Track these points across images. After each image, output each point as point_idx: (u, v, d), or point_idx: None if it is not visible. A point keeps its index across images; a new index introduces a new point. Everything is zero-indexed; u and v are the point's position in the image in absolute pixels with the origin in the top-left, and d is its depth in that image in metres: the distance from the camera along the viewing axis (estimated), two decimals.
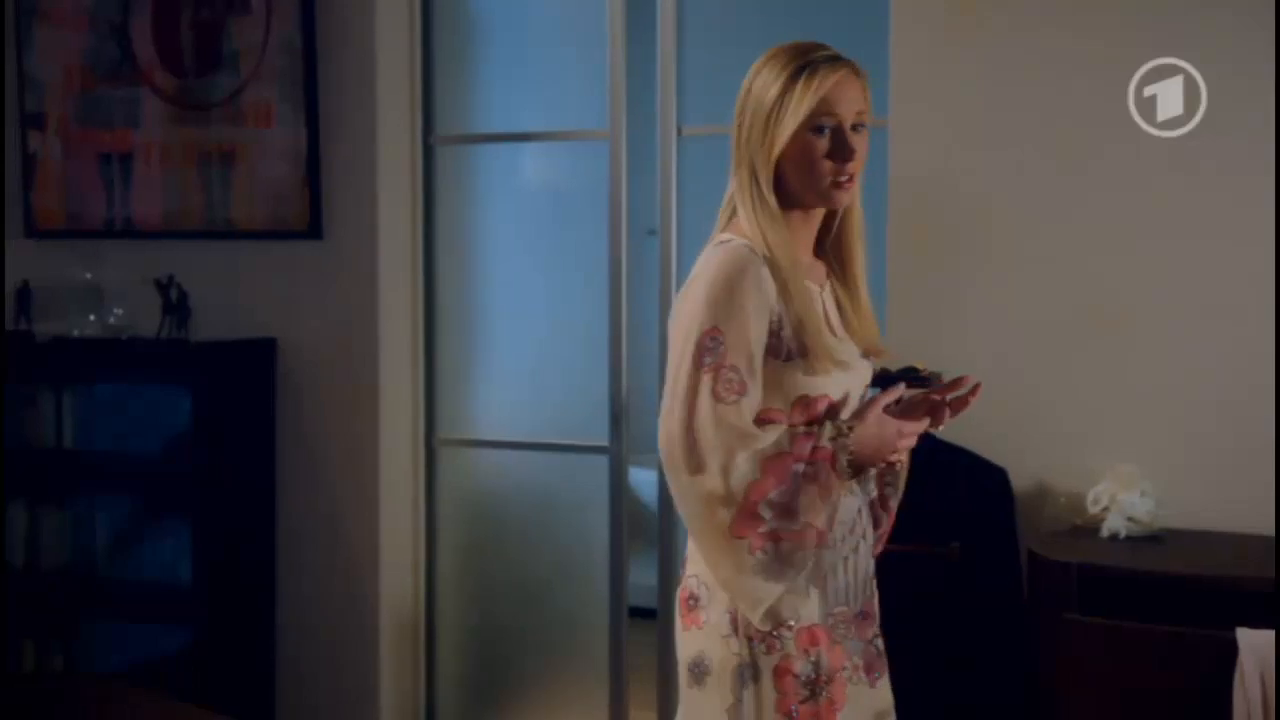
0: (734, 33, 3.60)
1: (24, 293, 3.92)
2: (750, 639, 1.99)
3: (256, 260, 3.83)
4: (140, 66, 3.90)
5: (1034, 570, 2.90)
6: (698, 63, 3.59)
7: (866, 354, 2.15)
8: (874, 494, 2.20)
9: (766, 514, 1.94)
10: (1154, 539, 2.95)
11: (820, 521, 1.97)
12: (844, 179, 2.04)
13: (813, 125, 2.03)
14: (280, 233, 3.79)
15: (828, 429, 2.00)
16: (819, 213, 2.12)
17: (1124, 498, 2.99)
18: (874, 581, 2.20)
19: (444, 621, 3.96)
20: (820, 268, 2.15)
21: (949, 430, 2.99)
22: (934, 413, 2.07)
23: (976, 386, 2.09)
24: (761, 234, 2.03)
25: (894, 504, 2.22)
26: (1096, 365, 3.13)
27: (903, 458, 2.16)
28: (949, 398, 2.09)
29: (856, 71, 2.08)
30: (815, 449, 1.98)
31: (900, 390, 2.06)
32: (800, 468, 1.97)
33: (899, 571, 2.96)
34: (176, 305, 3.78)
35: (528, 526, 3.90)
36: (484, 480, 3.96)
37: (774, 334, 2.01)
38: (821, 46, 2.10)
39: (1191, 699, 2.58)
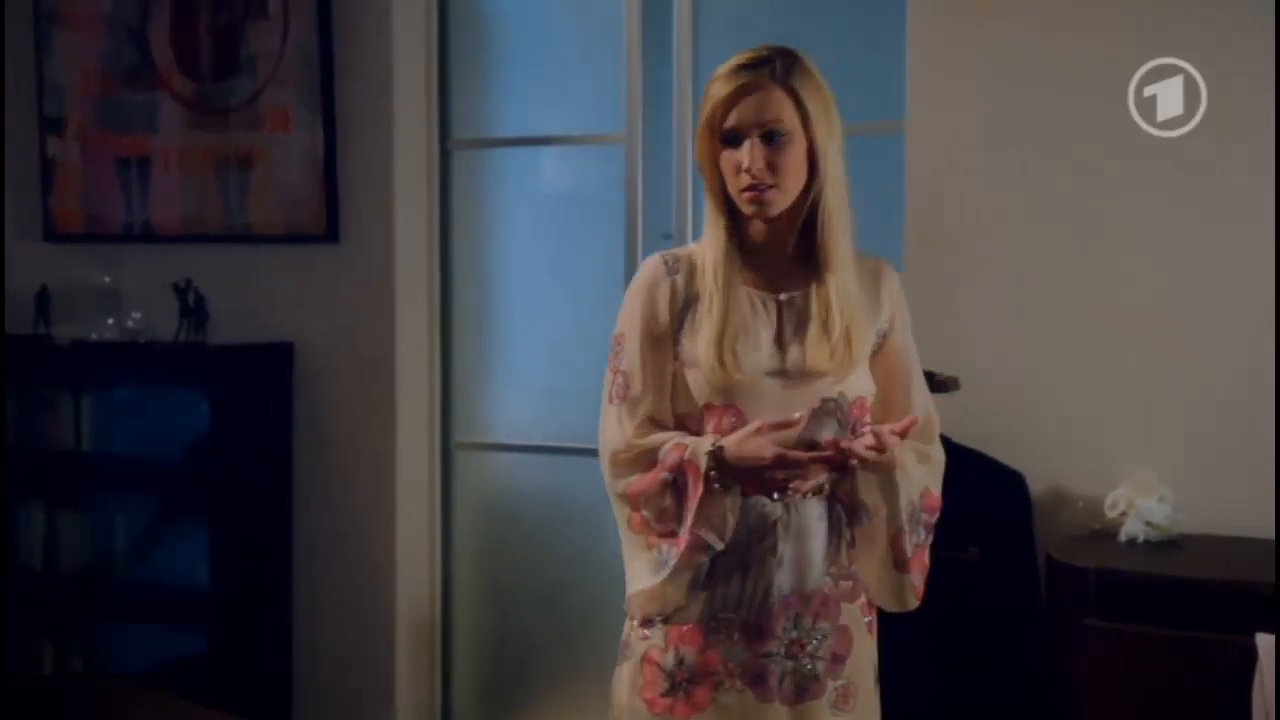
0: (750, 36, 3.58)
1: (43, 296, 3.94)
2: (634, 620, 2.14)
3: (273, 264, 3.85)
4: (159, 71, 3.92)
5: (1052, 575, 2.89)
6: (714, 66, 3.58)
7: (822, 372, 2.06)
8: (839, 516, 2.11)
9: (646, 513, 2.08)
10: (1172, 544, 2.93)
11: (683, 529, 2.03)
12: (748, 189, 2.02)
13: (722, 136, 2.04)
14: (297, 237, 3.80)
15: (704, 442, 2.03)
16: (793, 219, 2.08)
17: (1142, 502, 2.98)
18: (813, 602, 2.09)
19: (460, 624, 3.97)
20: (794, 277, 2.10)
21: (966, 434, 3.02)
22: (840, 456, 2.02)
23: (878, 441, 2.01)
24: (704, 237, 2.12)
25: (872, 528, 2.11)
26: (1114, 369, 3.12)
27: (800, 484, 2.07)
28: (859, 445, 2.00)
29: (770, 80, 2.03)
30: (683, 460, 2.03)
31: (796, 418, 2.00)
32: (666, 476, 2.05)
33: None
34: (194, 309, 3.80)
35: (544, 529, 3.90)
36: (500, 483, 3.96)
37: (677, 341, 2.08)
38: (753, 53, 2.08)
39: (1210, 704, 2.57)
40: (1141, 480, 3.01)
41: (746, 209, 2.05)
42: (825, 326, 2.06)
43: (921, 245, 3.24)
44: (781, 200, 2.04)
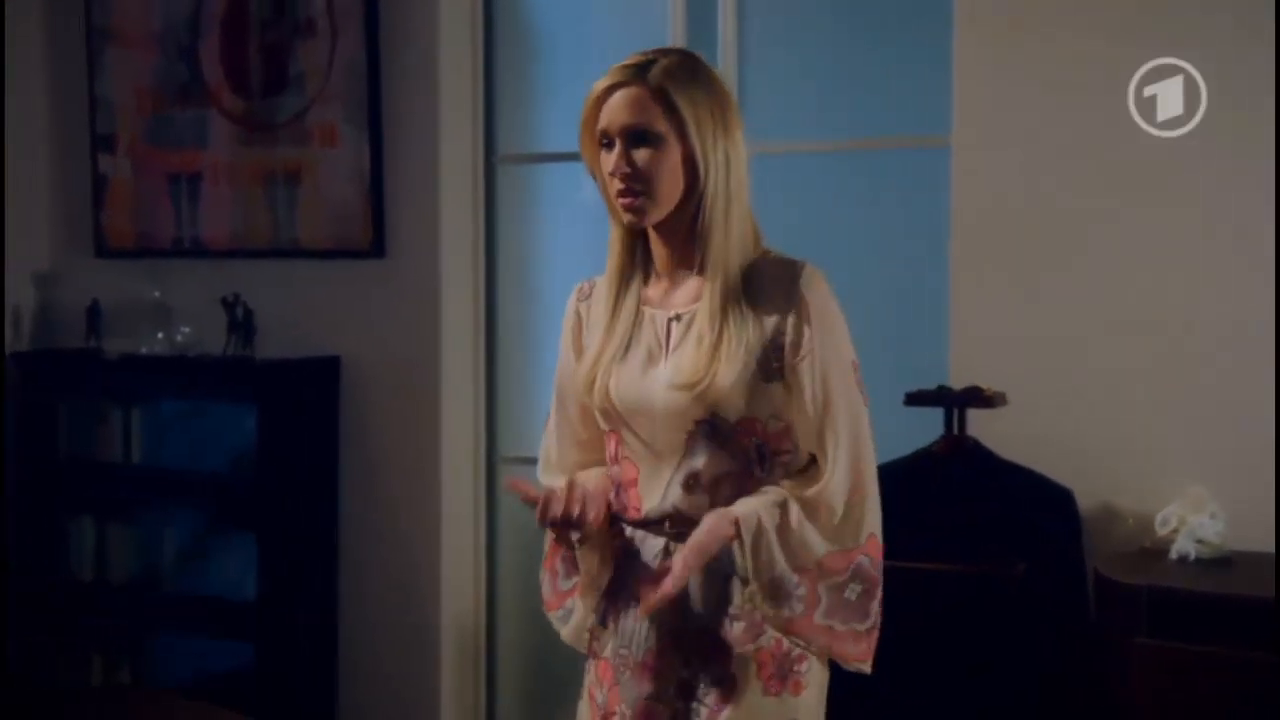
0: (795, 52, 3.60)
1: (94, 311, 3.99)
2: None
3: (321, 278, 3.88)
4: (209, 88, 3.96)
5: (1101, 593, 2.86)
6: (758, 81, 3.59)
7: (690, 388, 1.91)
8: (728, 552, 1.93)
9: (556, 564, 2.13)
10: (1224, 561, 2.89)
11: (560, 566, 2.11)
12: (619, 195, 1.92)
13: (598, 138, 1.95)
14: (344, 251, 3.83)
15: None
16: (682, 229, 1.95)
17: (1193, 519, 2.94)
18: (702, 644, 1.95)
19: (505, 638, 3.97)
20: (692, 292, 1.97)
21: (1013, 450, 2.99)
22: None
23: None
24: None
25: (753, 580, 1.90)
26: (1164, 384, 3.09)
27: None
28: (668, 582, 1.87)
29: (641, 82, 1.91)
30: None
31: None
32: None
33: (961, 592, 2.94)
34: (242, 323, 3.83)
35: None
36: None
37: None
38: (641, 54, 1.97)
39: None
40: (1192, 497, 2.97)
41: (622, 216, 1.96)
42: (700, 343, 1.92)
43: (968, 260, 3.22)
44: (655, 209, 1.93)
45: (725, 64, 3.57)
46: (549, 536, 2.06)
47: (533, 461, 3.88)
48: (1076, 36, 3.09)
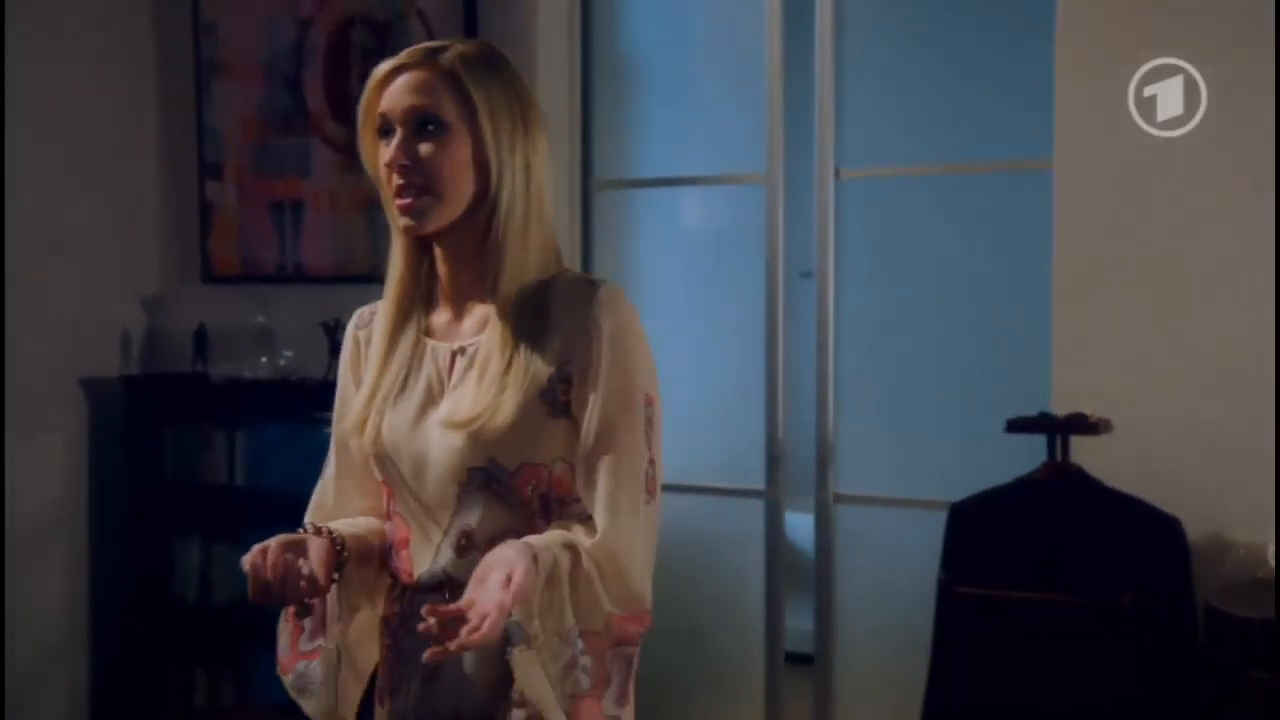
0: (894, 74, 3.57)
1: (200, 336, 4.07)
2: None
3: None
4: (311, 117, 4.04)
5: (1211, 625, 2.78)
6: (857, 105, 3.57)
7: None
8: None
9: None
10: None
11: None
12: (397, 194, 1.66)
13: (377, 126, 1.69)
14: None
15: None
16: (471, 243, 1.69)
17: None
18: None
19: None
20: (482, 316, 1.71)
21: (1119, 477, 2.93)
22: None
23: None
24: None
25: (539, 634, 1.59)
26: (1275, 408, 3.00)
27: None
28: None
29: (431, 62, 1.67)
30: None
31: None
32: None
33: (1066, 623, 2.88)
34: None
35: (683, 570, 3.88)
36: None
37: None
38: (429, 46, 1.73)
39: None
40: None
41: (399, 221, 1.67)
42: (481, 372, 1.66)
43: (1071, 284, 3.17)
44: (439, 211, 1.65)
45: (823, 89, 3.56)
46: None
47: None
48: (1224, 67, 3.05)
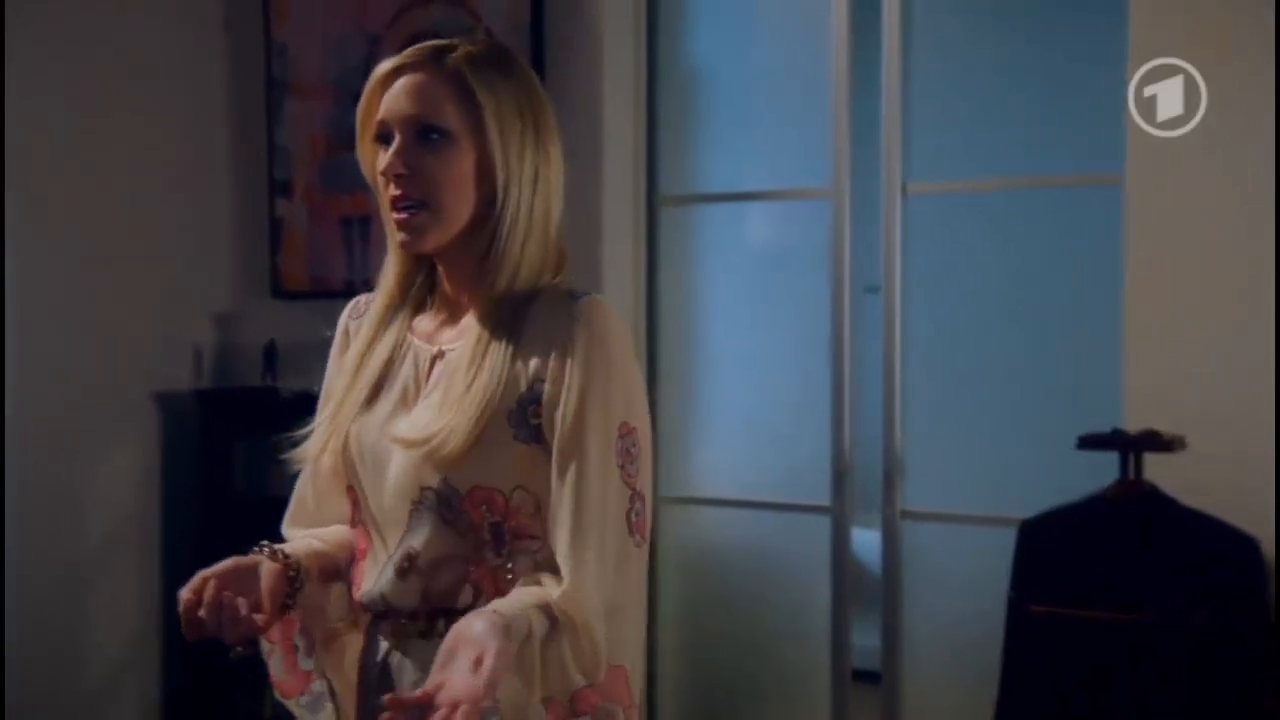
0: (962, 87, 3.55)
1: (271, 351, 4.12)
2: None
3: None
4: None
5: None
6: (924, 118, 3.55)
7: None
8: None
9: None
10: None
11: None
12: (398, 207, 1.54)
13: (376, 134, 1.59)
14: None
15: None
16: (471, 254, 1.58)
17: None
18: None
19: (665, 679, 3.95)
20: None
21: (1194, 496, 2.87)
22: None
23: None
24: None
25: (503, 710, 1.46)
26: None
27: None
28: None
29: (434, 66, 1.56)
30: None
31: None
32: None
33: (1139, 643, 2.83)
34: None
35: (748, 585, 3.87)
36: (705, 538, 3.95)
37: None
38: (435, 45, 1.61)
39: None
40: None
41: (395, 237, 1.57)
42: (447, 387, 1.53)
43: (1143, 301, 3.12)
44: (437, 228, 1.54)
45: (889, 103, 3.54)
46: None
47: (692, 501, 3.91)
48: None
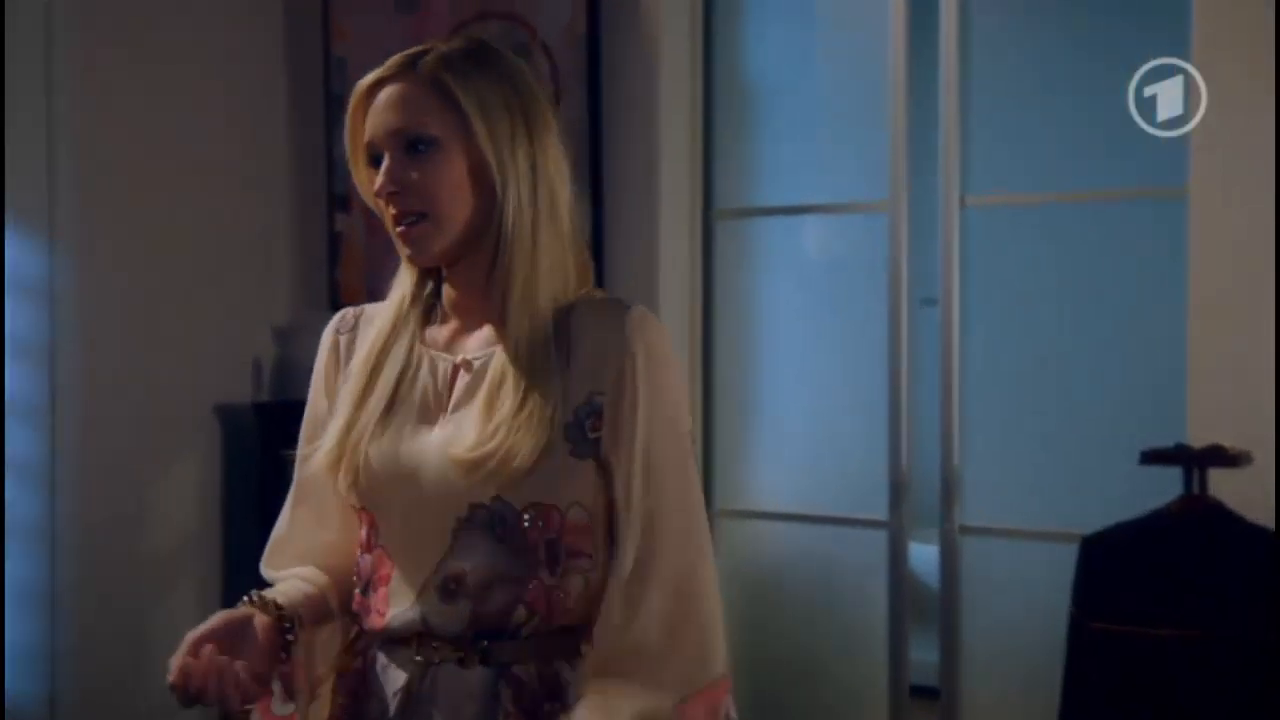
0: (1022, 98, 3.52)
1: None
2: None
3: None
4: None
5: None
6: (983, 130, 3.52)
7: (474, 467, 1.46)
8: (505, 695, 1.51)
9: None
10: None
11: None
12: (399, 223, 1.52)
13: (369, 158, 1.57)
14: None
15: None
16: (478, 257, 1.55)
17: None
18: None
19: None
20: (491, 331, 1.56)
21: (1260, 511, 2.83)
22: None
23: None
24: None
25: None
26: None
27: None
28: None
29: (412, 73, 1.53)
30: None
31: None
32: None
33: (1203, 660, 2.79)
34: None
35: (805, 600, 3.86)
36: (762, 552, 3.94)
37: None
38: (410, 53, 1.58)
39: None
40: None
41: (401, 249, 1.54)
42: (490, 401, 1.47)
43: (1207, 315, 3.08)
44: (439, 235, 1.51)
45: (948, 114, 3.52)
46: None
47: (751, 515, 3.90)
48: None
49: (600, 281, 4.19)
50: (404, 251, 1.55)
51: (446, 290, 1.59)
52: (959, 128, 3.51)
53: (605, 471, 1.49)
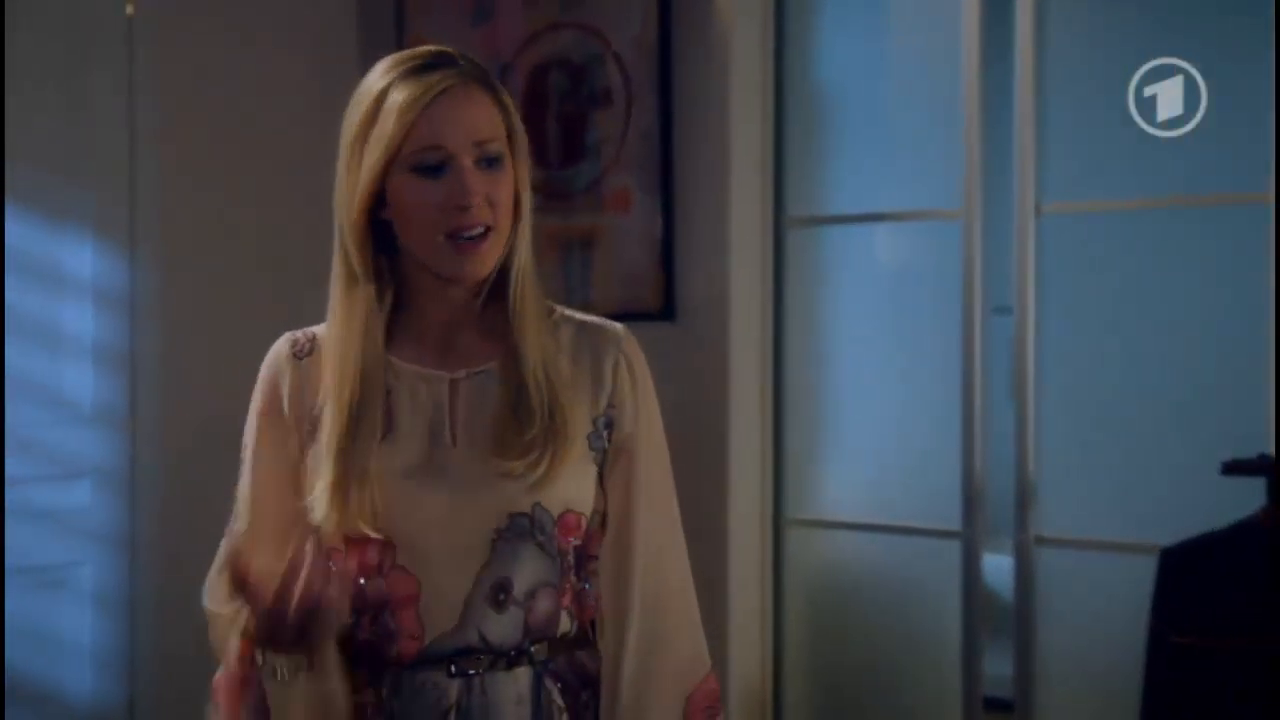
0: (1096, 109, 3.47)
1: None
2: None
3: None
4: None
5: None
6: (1060, 136, 3.48)
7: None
8: (551, 698, 1.55)
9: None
10: None
11: None
12: (464, 236, 1.47)
13: (413, 163, 1.47)
14: (635, 314, 3.89)
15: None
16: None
17: None
18: None
19: (791, 704, 3.92)
20: (475, 350, 1.54)
21: None
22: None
23: None
24: (331, 309, 1.55)
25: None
26: None
27: None
28: None
29: (477, 83, 1.50)
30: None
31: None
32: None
33: (1274, 672, 2.74)
34: None
35: (877, 610, 3.83)
36: (833, 561, 3.92)
37: (305, 450, 1.53)
38: (438, 52, 1.52)
39: None
40: None
41: (449, 268, 1.48)
42: (517, 410, 1.47)
43: None
44: (498, 250, 1.50)
45: (1023, 120, 3.49)
46: (233, 655, 1.57)
47: (820, 524, 3.88)
48: None
49: (671, 289, 4.22)
50: (456, 267, 1.49)
51: (426, 307, 1.54)
52: (1035, 133, 3.48)
53: (602, 480, 1.56)
